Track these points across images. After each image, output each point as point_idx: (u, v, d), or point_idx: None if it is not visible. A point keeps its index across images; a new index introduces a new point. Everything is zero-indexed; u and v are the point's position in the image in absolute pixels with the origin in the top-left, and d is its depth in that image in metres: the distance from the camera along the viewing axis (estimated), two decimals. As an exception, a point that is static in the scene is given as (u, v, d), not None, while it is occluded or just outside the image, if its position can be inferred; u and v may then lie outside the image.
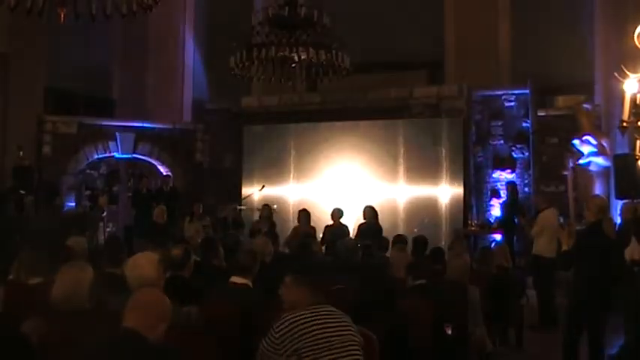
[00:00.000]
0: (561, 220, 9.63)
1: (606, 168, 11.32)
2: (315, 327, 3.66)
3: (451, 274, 6.33)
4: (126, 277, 4.45)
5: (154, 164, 14.91)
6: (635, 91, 8.77)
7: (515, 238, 12.11)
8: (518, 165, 12.94)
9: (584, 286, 6.34)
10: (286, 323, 3.67)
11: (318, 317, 3.71)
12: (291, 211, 13.28)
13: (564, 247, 8.31)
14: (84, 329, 3.71)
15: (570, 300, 6.63)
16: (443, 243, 11.23)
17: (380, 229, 10.75)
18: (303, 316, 3.70)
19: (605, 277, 6.28)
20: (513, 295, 7.95)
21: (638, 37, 9.45)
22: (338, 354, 3.64)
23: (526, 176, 12.77)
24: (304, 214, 11.37)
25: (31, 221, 9.28)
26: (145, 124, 14.77)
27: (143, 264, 4.45)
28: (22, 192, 11.92)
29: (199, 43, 16.35)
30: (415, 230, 11.44)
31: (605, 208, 6.74)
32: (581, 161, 11.52)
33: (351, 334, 3.75)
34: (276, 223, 11.62)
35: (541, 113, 12.67)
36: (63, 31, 9.76)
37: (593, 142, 11.41)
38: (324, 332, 3.66)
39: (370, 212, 11.30)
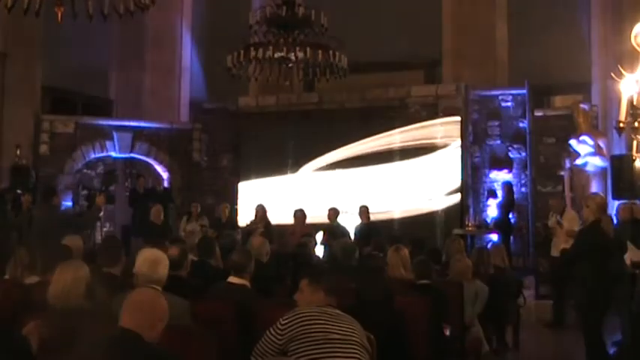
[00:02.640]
0: (559, 219, 9.63)
1: (603, 168, 11.33)
2: (318, 322, 3.79)
3: (454, 277, 6.36)
4: (139, 271, 4.45)
5: (151, 164, 14.90)
6: (632, 91, 8.76)
7: (512, 238, 12.14)
8: (515, 165, 12.95)
9: (584, 286, 6.31)
10: (293, 315, 3.84)
11: (325, 315, 3.84)
12: (288, 210, 13.27)
13: (563, 246, 8.30)
14: (81, 329, 3.71)
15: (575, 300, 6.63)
16: (438, 243, 11.27)
17: (377, 229, 10.76)
18: (311, 312, 3.86)
19: (605, 277, 6.23)
20: (510, 295, 7.96)
21: (635, 37, 9.44)
22: (337, 352, 3.70)
23: (523, 176, 12.77)
24: (300, 214, 11.37)
25: (28, 220, 9.26)
26: (142, 124, 14.76)
27: (163, 262, 4.49)
28: (19, 191, 11.92)
29: (197, 43, 16.34)
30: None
31: (604, 207, 6.66)
32: (578, 161, 11.53)
33: (355, 337, 3.80)
34: (271, 222, 11.63)
35: (538, 113, 12.67)
36: (60, 31, 9.74)
37: (590, 142, 11.42)
38: (326, 328, 3.77)
39: (366, 212, 11.31)
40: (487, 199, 13.02)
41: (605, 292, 6.25)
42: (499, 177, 12.95)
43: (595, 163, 11.37)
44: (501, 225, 12.13)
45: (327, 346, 3.70)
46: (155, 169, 14.87)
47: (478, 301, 6.44)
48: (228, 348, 4.24)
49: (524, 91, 12.41)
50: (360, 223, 11.21)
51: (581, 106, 11.84)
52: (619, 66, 9.07)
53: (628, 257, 7.69)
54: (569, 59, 13.07)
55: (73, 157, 14.07)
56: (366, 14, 14.30)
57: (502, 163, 13.02)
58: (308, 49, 10.17)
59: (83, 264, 4.48)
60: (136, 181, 13.98)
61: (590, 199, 6.74)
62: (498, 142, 13.09)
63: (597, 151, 11.36)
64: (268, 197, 13.17)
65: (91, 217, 9.69)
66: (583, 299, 6.39)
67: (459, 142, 12.56)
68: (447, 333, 5.37)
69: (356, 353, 3.74)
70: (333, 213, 11.34)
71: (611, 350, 7.33)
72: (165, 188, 13.88)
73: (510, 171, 12.95)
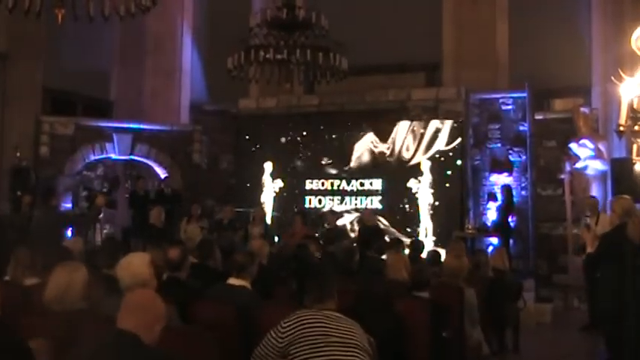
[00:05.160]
0: (588, 221, 9.58)
1: (603, 172, 11.33)
2: (318, 325, 3.80)
3: (447, 274, 6.32)
4: (118, 278, 4.43)
5: (151, 166, 14.89)
6: (633, 94, 8.76)
7: (511, 241, 12.13)
8: (515, 168, 12.96)
9: (607, 289, 6.22)
10: (293, 318, 3.86)
11: (325, 318, 3.85)
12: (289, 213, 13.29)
13: (589, 250, 8.23)
14: (78, 331, 3.71)
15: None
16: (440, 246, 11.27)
17: (378, 231, 10.77)
18: (311, 315, 3.88)
19: (629, 281, 6.09)
20: (510, 298, 7.96)
21: (635, 40, 9.44)
22: (337, 355, 3.71)
23: (523, 179, 12.77)
24: (300, 217, 11.39)
25: (27, 222, 9.24)
26: (142, 126, 14.74)
27: (135, 263, 4.44)
28: (19, 193, 11.90)
29: (197, 45, 16.34)
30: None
31: (630, 210, 6.49)
32: (578, 165, 11.52)
33: (355, 340, 3.80)
34: (269, 225, 11.66)
35: (539, 116, 12.66)
36: (61, 32, 9.76)
37: (591, 145, 11.41)
38: (326, 331, 3.78)
39: (369, 214, 11.33)
40: (487, 202, 13.01)
41: (628, 296, 6.12)
42: (499, 180, 12.94)
43: (595, 166, 11.36)
44: (501, 228, 12.12)
45: (327, 349, 3.70)
46: (155, 171, 14.86)
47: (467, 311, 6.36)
48: (228, 350, 4.24)
49: (525, 95, 12.41)
50: (363, 225, 11.23)
51: (582, 109, 11.84)
52: (619, 69, 9.07)
53: None
54: (570, 62, 13.07)
55: (73, 159, 14.06)
56: (367, 16, 14.29)
57: (502, 166, 13.02)
58: (308, 51, 10.16)
59: (80, 265, 4.47)
60: (135, 183, 13.96)
61: (615, 202, 6.57)
62: (499, 145, 13.10)
63: (597, 155, 11.36)
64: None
65: (89, 217, 9.66)
66: (606, 302, 6.28)
67: (459, 145, 12.59)
68: (444, 334, 5.34)
69: (356, 356, 3.73)
70: (335, 215, 11.37)
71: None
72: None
73: (511, 174, 12.95)
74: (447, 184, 12.55)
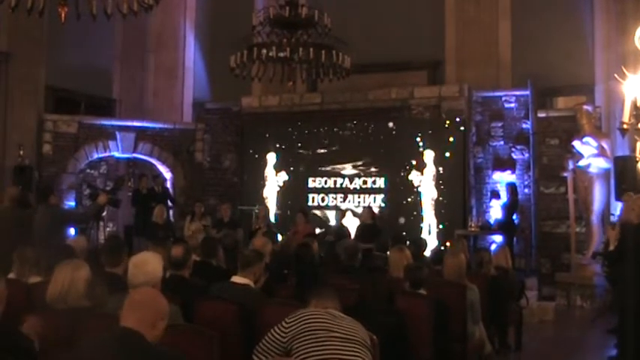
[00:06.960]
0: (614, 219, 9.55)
1: (607, 170, 11.30)
2: (320, 321, 3.85)
3: (448, 272, 6.31)
4: (129, 274, 4.43)
5: (154, 164, 14.91)
6: (636, 92, 8.72)
7: (515, 239, 12.12)
8: (518, 166, 12.95)
9: (625, 287, 6.19)
10: (297, 314, 3.91)
11: (327, 315, 3.90)
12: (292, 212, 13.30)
13: (611, 247, 8.21)
14: (81, 328, 3.72)
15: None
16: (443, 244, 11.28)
17: (380, 229, 10.78)
18: (314, 312, 3.93)
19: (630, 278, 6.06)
20: (513, 296, 7.95)
21: (639, 38, 9.41)
22: (339, 349, 3.74)
23: (526, 177, 12.76)
24: (302, 215, 11.41)
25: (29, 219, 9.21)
26: (145, 124, 14.76)
27: (151, 263, 4.44)
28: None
29: (200, 43, 16.35)
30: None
31: None
32: (581, 163, 11.49)
33: (356, 336, 3.84)
34: (272, 223, 11.68)
35: (541, 114, 12.65)
36: (64, 31, 9.75)
37: (594, 143, 11.38)
38: (328, 327, 3.82)
39: (370, 213, 11.34)
40: (490, 200, 13.00)
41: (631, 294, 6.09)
42: (502, 178, 12.94)
43: (598, 164, 11.33)
44: (505, 226, 12.11)
45: (329, 343, 3.73)
46: (158, 169, 14.87)
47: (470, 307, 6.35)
48: (230, 347, 4.25)
49: (528, 93, 12.40)
50: (364, 223, 11.23)
51: (585, 107, 11.80)
52: (622, 67, 9.03)
53: None
54: (573, 60, 13.04)
55: (76, 157, 14.07)
56: (369, 15, 14.29)
57: (505, 164, 13.01)
58: (311, 49, 10.16)
59: (83, 263, 4.48)
60: (138, 181, 13.98)
61: (634, 201, 6.55)
62: (501, 143, 13.09)
63: (601, 153, 11.32)
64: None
65: (88, 213, 9.62)
66: (622, 301, 6.25)
67: (461, 143, 12.59)
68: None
69: (357, 351, 3.76)
70: (337, 214, 11.39)
71: (613, 351, 7.34)
72: (164, 188, 13.84)
73: (513, 172, 12.94)
74: (450, 183, 12.54)
